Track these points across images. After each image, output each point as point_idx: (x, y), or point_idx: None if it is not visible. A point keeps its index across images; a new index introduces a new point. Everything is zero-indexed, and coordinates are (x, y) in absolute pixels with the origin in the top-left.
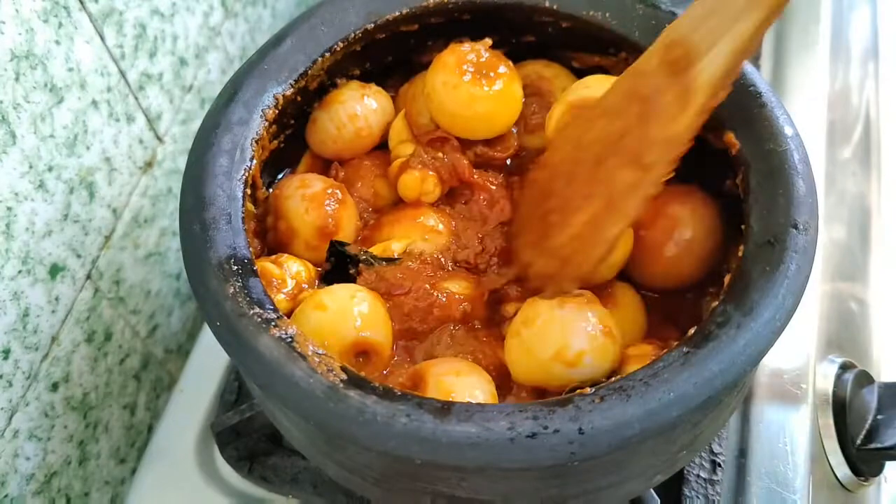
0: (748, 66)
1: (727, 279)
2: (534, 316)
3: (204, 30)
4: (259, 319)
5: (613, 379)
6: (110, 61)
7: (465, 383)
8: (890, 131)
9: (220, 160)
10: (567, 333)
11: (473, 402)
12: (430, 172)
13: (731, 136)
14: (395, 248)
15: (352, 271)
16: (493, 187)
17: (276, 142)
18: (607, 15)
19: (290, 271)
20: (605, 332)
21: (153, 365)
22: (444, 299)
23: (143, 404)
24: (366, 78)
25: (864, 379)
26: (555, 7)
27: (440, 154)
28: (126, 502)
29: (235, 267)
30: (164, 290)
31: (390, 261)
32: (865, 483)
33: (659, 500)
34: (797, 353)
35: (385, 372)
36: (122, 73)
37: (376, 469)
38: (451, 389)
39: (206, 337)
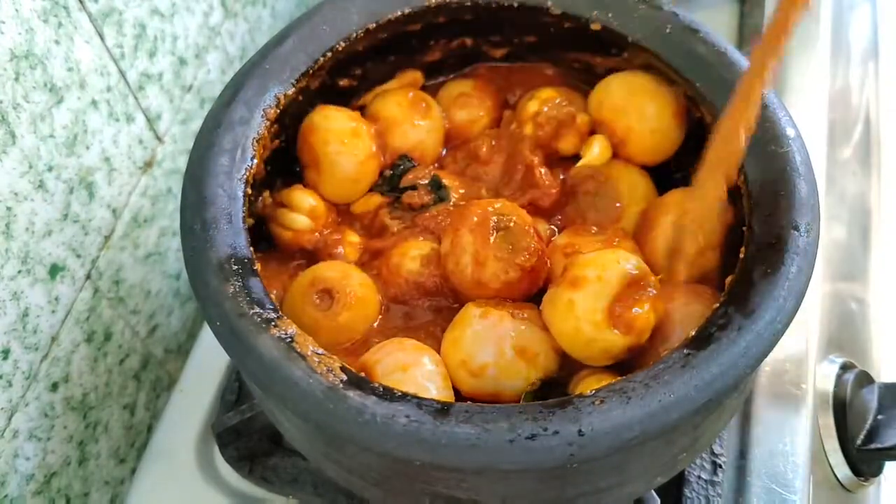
0: None
1: (728, 281)
2: (459, 320)
3: (204, 30)
4: (259, 319)
5: (614, 381)
6: (110, 61)
7: (412, 378)
8: (890, 131)
9: (221, 159)
10: (475, 344)
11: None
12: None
13: None
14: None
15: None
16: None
17: (277, 141)
18: (609, 16)
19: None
20: (519, 350)
21: (153, 365)
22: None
23: (142, 404)
24: (367, 79)
25: (864, 379)
26: (557, 8)
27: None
28: (126, 502)
29: (236, 266)
30: (164, 290)
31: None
32: (865, 483)
33: (659, 501)
34: (797, 354)
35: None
36: (122, 73)
37: (376, 469)
38: (400, 388)
39: (206, 337)
